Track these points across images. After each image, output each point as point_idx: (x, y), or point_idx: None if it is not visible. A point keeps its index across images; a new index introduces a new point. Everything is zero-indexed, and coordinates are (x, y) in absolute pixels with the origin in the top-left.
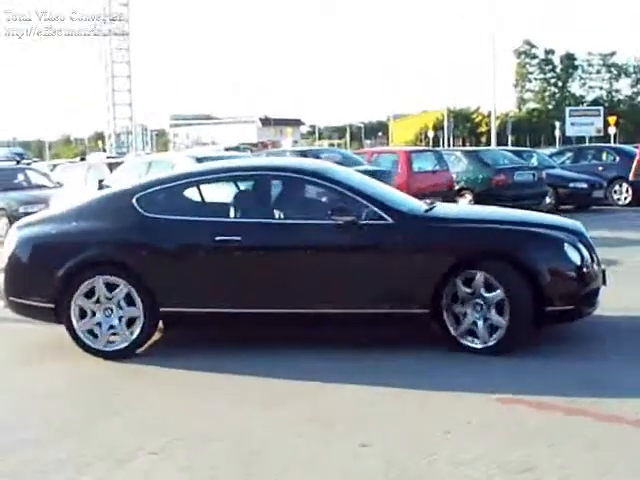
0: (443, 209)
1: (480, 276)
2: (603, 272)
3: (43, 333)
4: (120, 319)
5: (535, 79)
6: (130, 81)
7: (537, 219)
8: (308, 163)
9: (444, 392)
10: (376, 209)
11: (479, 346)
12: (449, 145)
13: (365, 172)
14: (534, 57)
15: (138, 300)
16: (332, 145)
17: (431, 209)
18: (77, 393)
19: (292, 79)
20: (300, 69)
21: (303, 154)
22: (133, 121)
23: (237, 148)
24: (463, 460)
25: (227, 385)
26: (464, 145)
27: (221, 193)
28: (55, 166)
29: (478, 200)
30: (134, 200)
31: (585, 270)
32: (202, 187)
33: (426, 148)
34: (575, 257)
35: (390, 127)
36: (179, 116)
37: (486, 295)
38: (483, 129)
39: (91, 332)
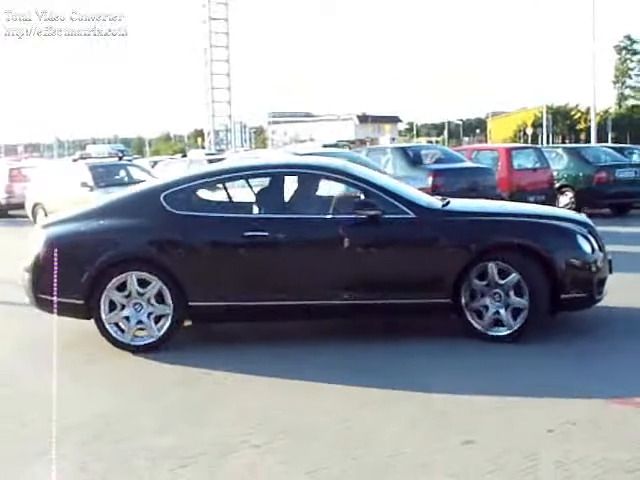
0: (459, 204)
1: (492, 266)
2: (609, 262)
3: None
4: (149, 315)
5: (636, 75)
6: (229, 79)
7: (549, 212)
8: (330, 161)
9: (540, 391)
10: (398, 204)
11: (505, 333)
12: (548, 142)
13: (466, 169)
14: (635, 53)
15: (168, 297)
16: (430, 142)
17: (447, 204)
18: (167, 388)
19: (391, 76)
20: (399, 66)
21: (403, 150)
22: (232, 119)
23: (335, 145)
24: (567, 459)
25: (319, 387)
26: (564, 142)
27: (247, 190)
28: (156, 162)
29: (579, 198)
30: (162, 198)
31: (595, 259)
32: (228, 184)
33: (526, 145)
34: (586, 247)
35: (488, 124)
36: (277, 113)
37: (502, 282)
38: (582, 126)
39: (118, 325)
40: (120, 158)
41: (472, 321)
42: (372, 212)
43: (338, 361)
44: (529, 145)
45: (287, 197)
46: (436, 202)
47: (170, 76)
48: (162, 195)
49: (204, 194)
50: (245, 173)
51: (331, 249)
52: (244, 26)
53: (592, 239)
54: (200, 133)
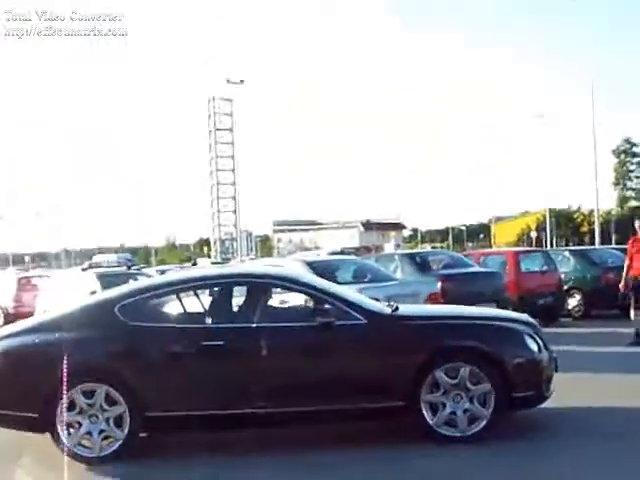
0: (409, 308)
1: (465, 369)
2: (555, 360)
3: None
4: (107, 420)
5: (636, 177)
6: (235, 188)
7: (495, 314)
8: (283, 270)
9: None
10: (349, 310)
11: (457, 434)
12: (552, 245)
13: (475, 273)
14: (635, 155)
15: (122, 400)
16: (435, 247)
17: (397, 309)
18: None
19: (393, 182)
20: (400, 172)
21: (411, 256)
22: (238, 227)
23: (342, 252)
24: None
25: None
26: (567, 245)
27: (200, 300)
28: (164, 271)
29: (588, 299)
30: (116, 309)
31: (542, 358)
32: (182, 295)
33: (533, 249)
34: (533, 346)
35: (492, 229)
36: (282, 222)
37: (472, 387)
38: (585, 229)
39: (80, 444)
40: (129, 267)
41: (426, 415)
42: (324, 319)
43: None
44: (536, 249)
45: (241, 306)
46: (385, 307)
47: (177, 183)
48: (117, 306)
49: (159, 304)
50: (199, 283)
51: (286, 357)
52: (248, 138)
53: (537, 338)
54: (206, 242)
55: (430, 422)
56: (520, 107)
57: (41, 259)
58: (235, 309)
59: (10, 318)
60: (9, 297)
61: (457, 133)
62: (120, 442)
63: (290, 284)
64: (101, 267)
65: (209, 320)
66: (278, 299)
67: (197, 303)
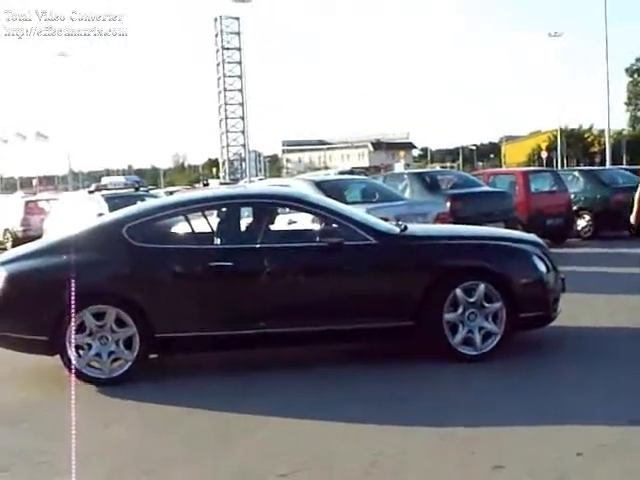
0: (417, 228)
1: (481, 287)
2: (562, 280)
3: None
4: (117, 342)
5: None
6: (243, 108)
7: (503, 234)
8: (291, 190)
9: (569, 414)
10: (359, 230)
11: (475, 353)
12: (563, 166)
13: (484, 193)
14: None
15: (131, 322)
16: (444, 167)
17: (405, 228)
18: (195, 419)
19: (404, 101)
20: (412, 91)
21: (420, 176)
22: (246, 148)
23: (351, 172)
24: None
25: (344, 411)
26: (578, 165)
27: (209, 221)
28: (172, 192)
29: (597, 220)
30: (124, 231)
31: (550, 278)
32: (190, 216)
33: (543, 169)
34: (541, 267)
35: (502, 149)
36: (291, 142)
37: (487, 305)
38: (596, 149)
39: (90, 365)
40: (136, 189)
41: (448, 335)
42: (334, 240)
43: (343, 392)
44: (546, 168)
45: (249, 226)
46: (394, 227)
47: (184, 104)
48: (124, 228)
49: (166, 225)
50: (205, 204)
51: (295, 277)
52: (257, 56)
53: (545, 259)
54: (214, 163)
55: (451, 342)
56: (533, 25)
57: (48, 182)
58: (242, 229)
59: (18, 242)
60: (17, 220)
61: (469, 51)
62: (130, 364)
63: (297, 204)
64: (108, 189)
65: (217, 241)
66: (287, 219)
67: (204, 224)
